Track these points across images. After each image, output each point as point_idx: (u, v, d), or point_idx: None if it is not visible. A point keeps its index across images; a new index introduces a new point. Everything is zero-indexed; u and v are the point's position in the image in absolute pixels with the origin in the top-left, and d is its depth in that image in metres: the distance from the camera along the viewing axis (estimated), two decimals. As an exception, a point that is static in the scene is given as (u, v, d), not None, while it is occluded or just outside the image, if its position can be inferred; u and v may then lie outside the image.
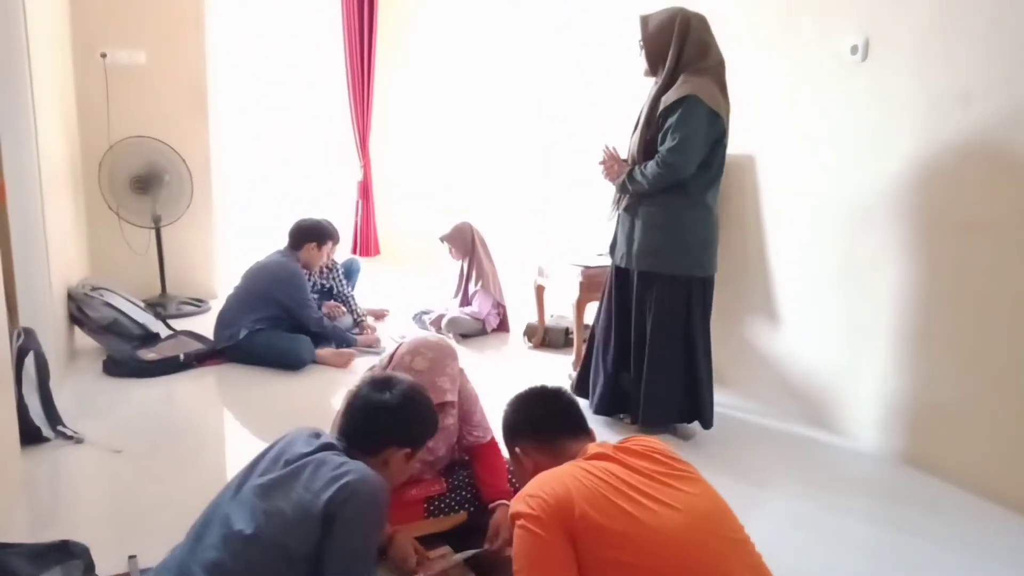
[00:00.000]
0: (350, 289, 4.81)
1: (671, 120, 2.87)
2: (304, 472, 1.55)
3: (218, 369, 3.93)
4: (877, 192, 3.00)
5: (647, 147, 3.01)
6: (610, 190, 3.26)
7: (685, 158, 2.86)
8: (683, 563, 1.32)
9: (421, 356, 2.09)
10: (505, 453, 2.35)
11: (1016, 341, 2.58)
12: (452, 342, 2.27)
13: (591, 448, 1.61)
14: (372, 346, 4.28)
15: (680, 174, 2.89)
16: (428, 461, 2.20)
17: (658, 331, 3.05)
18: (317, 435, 1.71)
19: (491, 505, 2.20)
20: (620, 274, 3.20)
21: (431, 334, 2.28)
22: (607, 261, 3.86)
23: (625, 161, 3.14)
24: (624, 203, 3.12)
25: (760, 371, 3.60)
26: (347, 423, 1.73)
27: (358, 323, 4.59)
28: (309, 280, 4.55)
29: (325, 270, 4.67)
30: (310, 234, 4.28)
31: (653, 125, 2.98)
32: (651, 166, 2.94)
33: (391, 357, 2.15)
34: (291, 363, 3.92)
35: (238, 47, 6.22)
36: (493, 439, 2.32)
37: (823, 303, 3.28)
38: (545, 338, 4.42)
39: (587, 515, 1.37)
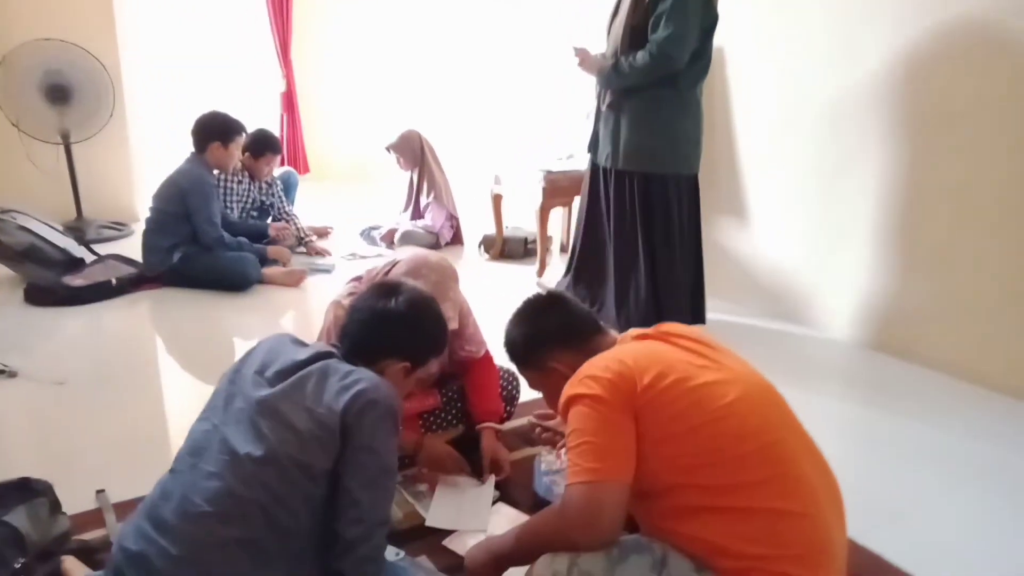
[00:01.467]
0: (290, 206, 4.48)
1: (663, 6, 2.67)
2: (308, 383, 1.38)
3: (154, 294, 3.63)
4: (853, 85, 2.93)
5: (633, 34, 2.80)
6: (577, 86, 3.10)
7: (680, 48, 2.69)
8: (744, 428, 1.28)
9: (423, 279, 1.87)
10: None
11: (982, 231, 2.61)
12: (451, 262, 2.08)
13: (629, 335, 1.52)
14: (280, 260, 3.97)
15: (674, 65, 2.72)
16: (421, 378, 2.05)
17: (650, 233, 2.94)
18: (299, 342, 1.54)
19: (478, 427, 2.08)
20: (602, 174, 3.06)
21: (431, 252, 2.07)
22: (572, 164, 3.75)
23: (602, 54, 2.96)
24: (608, 99, 2.95)
25: (726, 271, 3.56)
26: (346, 328, 1.57)
27: (304, 243, 4.31)
28: (231, 192, 4.14)
29: (265, 185, 4.33)
30: (212, 131, 3.75)
31: (640, 9, 2.77)
32: (642, 56, 2.74)
33: (384, 276, 1.94)
34: (236, 283, 3.65)
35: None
36: (488, 353, 2.19)
37: (795, 201, 3.24)
38: (504, 249, 4.27)
39: (652, 385, 1.29)
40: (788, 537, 1.24)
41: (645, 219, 2.94)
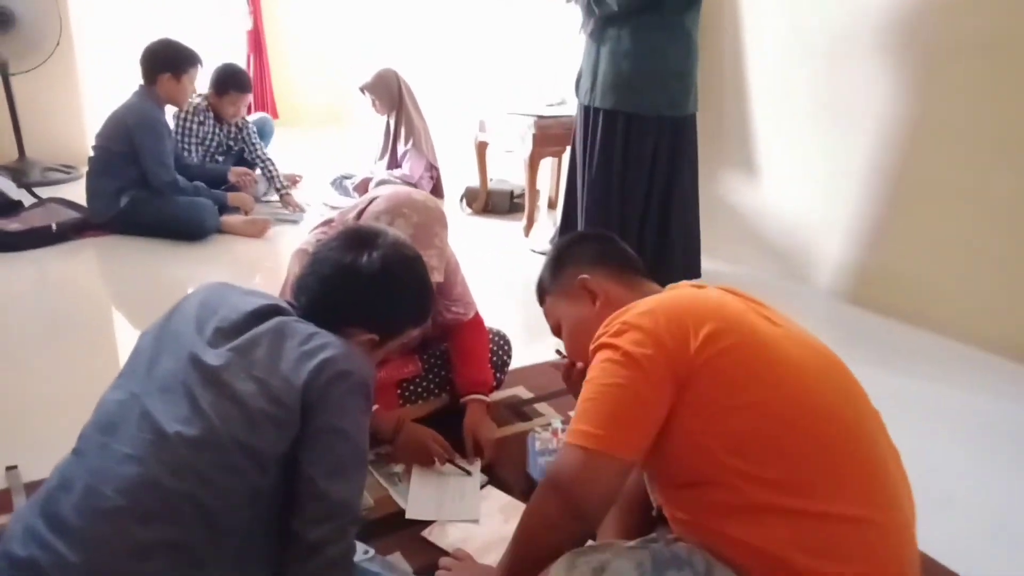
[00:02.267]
0: (265, 151, 4.01)
1: None
2: (259, 348, 1.09)
3: (99, 241, 3.29)
4: (865, 12, 2.67)
5: None
6: (571, 21, 2.79)
7: None
8: (824, 407, 1.03)
9: (403, 219, 1.57)
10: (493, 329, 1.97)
11: (1001, 177, 2.41)
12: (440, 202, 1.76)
13: (681, 284, 1.29)
14: (243, 208, 3.62)
15: None
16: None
17: (619, 180, 2.69)
18: (241, 291, 1.23)
19: (463, 399, 1.81)
20: (587, 115, 2.76)
21: (415, 191, 1.77)
22: (564, 110, 3.44)
23: None
24: (589, 27, 2.65)
25: (734, 229, 3.28)
26: (303, 282, 1.26)
27: (281, 193, 3.90)
28: (190, 133, 3.77)
29: (235, 129, 3.92)
30: (162, 61, 3.34)
31: None
32: None
33: (359, 215, 1.63)
34: (191, 232, 3.31)
35: None
36: (477, 315, 1.91)
37: (804, 145, 2.98)
38: (488, 203, 3.96)
39: (712, 341, 1.03)
40: (872, 554, 0.97)
41: (622, 165, 2.68)
